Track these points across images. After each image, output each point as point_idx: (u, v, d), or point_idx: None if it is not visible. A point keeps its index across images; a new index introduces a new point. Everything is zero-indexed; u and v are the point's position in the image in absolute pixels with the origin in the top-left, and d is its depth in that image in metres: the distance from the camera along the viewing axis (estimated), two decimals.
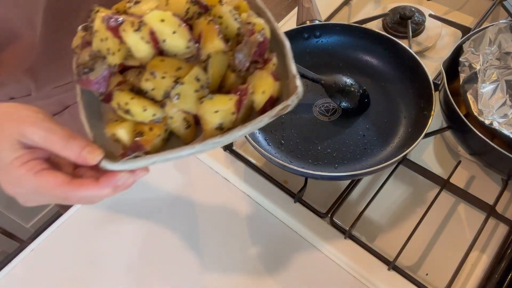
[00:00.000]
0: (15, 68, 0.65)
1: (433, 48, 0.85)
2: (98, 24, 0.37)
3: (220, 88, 0.40)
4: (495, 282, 0.55)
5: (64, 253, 0.65)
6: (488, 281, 0.56)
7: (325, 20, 0.88)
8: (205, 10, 0.40)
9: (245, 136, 0.61)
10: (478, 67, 0.63)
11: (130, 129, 0.38)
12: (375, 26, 0.88)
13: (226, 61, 0.40)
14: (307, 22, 0.75)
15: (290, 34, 0.74)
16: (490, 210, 0.61)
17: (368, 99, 0.69)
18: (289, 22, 0.91)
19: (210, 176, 0.72)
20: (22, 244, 0.65)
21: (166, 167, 0.73)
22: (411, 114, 0.67)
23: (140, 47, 0.37)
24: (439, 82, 0.67)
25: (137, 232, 0.67)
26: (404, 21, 0.84)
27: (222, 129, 0.38)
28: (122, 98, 0.37)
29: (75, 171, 0.41)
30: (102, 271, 0.64)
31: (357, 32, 0.74)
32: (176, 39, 0.37)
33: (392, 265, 0.58)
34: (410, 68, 0.68)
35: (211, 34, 0.37)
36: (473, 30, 0.74)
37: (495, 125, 0.57)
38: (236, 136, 0.37)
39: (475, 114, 0.59)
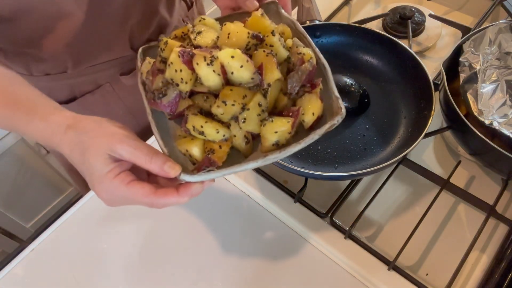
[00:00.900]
0: (55, 45, 0.66)
1: (433, 48, 0.85)
2: (173, 57, 0.44)
3: (273, 108, 0.47)
4: (495, 282, 0.55)
5: (64, 253, 0.65)
6: (488, 281, 0.56)
7: (325, 20, 0.88)
8: (261, 41, 0.46)
9: None
10: (478, 67, 0.63)
11: (202, 147, 0.45)
12: (375, 26, 0.88)
13: (279, 86, 0.46)
14: (307, 22, 0.75)
15: None
16: (490, 210, 0.61)
17: (368, 99, 0.69)
18: None
19: None
20: (22, 244, 0.66)
21: None
22: (411, 114, 0.67)
23: (210, 78, 0.43)
24: (439, 82, 0.67)
25: (137, 232, 0.67)
26: (404, 21, 0.84)
27: (278, 145, 0.44)
28: (197, 122, 0.44)
29: (149, 177, 0.47)
30: (102, 271, 0.64)
31: (357, 32, 0.74)
32: (243, 72, 0.43)
33: (392, 265, 0.58)
34: (410, 68, 0.68)
35: (271, 66, 0.44)
36: (473, 30, 0.74)
37: (495, 125, 0.57)
38: (292, 151, 0.43)
39: (475, 114, 0.59)
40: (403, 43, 0.70)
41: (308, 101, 0.45)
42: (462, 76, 0.63)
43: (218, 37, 0.47)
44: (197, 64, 0.43)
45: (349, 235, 0.61)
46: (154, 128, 0.46)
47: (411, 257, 0.61)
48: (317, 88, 0.46)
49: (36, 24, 0.62)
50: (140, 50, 0.54)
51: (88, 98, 0.77)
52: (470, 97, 0.61)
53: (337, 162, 0.64)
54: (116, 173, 0.43)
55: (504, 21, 0.66)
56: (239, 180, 0.69)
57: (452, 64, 0.66)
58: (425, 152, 0.71)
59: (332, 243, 0.61)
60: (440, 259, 0.60)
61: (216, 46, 0.46)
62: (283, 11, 0.54)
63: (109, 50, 0.73)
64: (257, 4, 0.54)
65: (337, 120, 0.44)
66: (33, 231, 1.57)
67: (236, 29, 0.46)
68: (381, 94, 0.71)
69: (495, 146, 0.55)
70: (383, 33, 0.72)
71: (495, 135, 0.57)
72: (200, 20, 0.50)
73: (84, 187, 0.67)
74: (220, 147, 0.44)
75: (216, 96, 0.45)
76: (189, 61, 0.43)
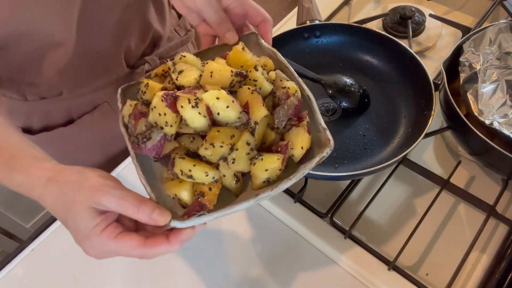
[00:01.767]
0: (48, 72, 0.66)
1: (433, 48, 0.85)
2: (156, 101, 0.42)
3: (262, 144, 0.46)
4: (495, 282, 0.55)
5: (63, 253, 0.65)
6: (488, 281, 0.56)
7: (325, 20, 0.88)
8: (244, 78, 0.46)
9: None
10: (478, 67, 0.63)
11: (191, 190, 0.43)
12: (375, 26, 0.88)
13: (266, 122, 0.46)
14: (307, 22, 0.75)
15: (290, 34, 0.74)
16: (490, 210, 0.61)
17: (368, 99, 0.69)
18: (289, 22, 0.91)
19: None
20: (22, 244, 0.66)
21: None
22: (411, 114, 0.67)
23: (196, 120, 0.42)
24: (439, 82, 0.67)
25: None
26: (404, 21, 0.84)
27: (269, 182, 0.44)
28: (184, 166, 0.42)
29: (137, 223, 0.45)
30: (102, 271, 0.63)
31: (357, 32, 0.74)
32: (230, 112, 0.42)
33: (392, 265, 0.58)
34: (410, 68, 0.68)
35: (257, 104, 0.43)
36: (473, 30, 0.74)
37: (495, 125, 0.57)
38: (284, 187, 0.43)
39: (475, 114, 0.59)
40: (403, 43, 0.70)
41: (296, 135, 0.45)
42: (462, 76, 0.63)
43: (200, 75, 0.46)
44: (182, 107, 0.42)
45: (349, 235, 0.61)
46: (139, 173, 0.44)
47: (411, 257, 0.61)
48: (304, 121, 0.46)
49: (27, 52, 0.62)
50: (119, 90, 0.52)
51: (87, 119, 0.76)
52: (470, 97, 0.61)
53: (337, 162, 0.64)
54: (102, 227, 0.41)
55: (504, 21, 0.66)
56: None
57: (452, 64, 0.66)
58: (425, 152, 0.71)
59: (332, 243, 0.61)
60: (440, 259, 0.60)
61: (199, 85, 0.45)
62: (263, 41, 0.53)
63: (105, 71, 0.72)
64: (237, 37, 0.53)
65: (326, 152, 0.44)
66: (33, 231, 1.57)
67: (219, 67, 0.45)
68: (381, 94, 0.71)
69: (495, 146, 0.55)
70: (383, 33, 0.72)
71: (495, 135, 0.57)
72: (180, 58, 0.49)
73: None
74: (210, 189, 0.43)
75: (202, 136, 0.44)
76: (173, 104, 0.42)
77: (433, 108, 0.61)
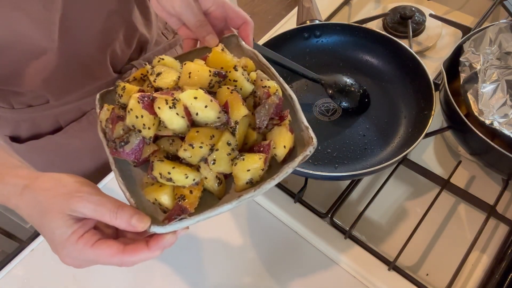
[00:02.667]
0: (33, 80, 0.66)
1: (433, 48, 0.85)
2: (133, 103, 0.41)
3: (244, 145, 0.45)
4: (495, 282, 0.54)
5: None
6: (488, 281, 0.56)
7: (325, 20, 0.88)
8: (224, 78, 0.45)
9: None
10: (478, 67, 0.63)
11: (171, 194, 0.42)
12: (375, 26, 0.88)
13: (247, 121, 0.45)
14: (307, 22, 0.75)
15: (290, 34, 0.74)
16: (490, 210, 0.61)
17: (368, 99, 0.69)
18: (289, 22, 0.91)
19: None
20: (22, 244, 0.65)
21: None
22: (411, 114, 0.67)
23: (174, 121, 0.41)
24: (440, 82, 0.67)
25: None
26: (404, 21, 0.84)
27: (252, 183, 0.43)
28: (163, 169, 0.41)
29: (117, 231, 0.44)
30: (102, 271, 0.63)
31: (357, 32, 0.74)
32: (209, 112, 0.41)
33: (392, 265, 0.58)
34: (411, 68, 0.68)
35: (237, 103, 0.42)
36: (473, 30, 0.74)
37: (496, 125, 0.57)
38: (267, 188, 0.41)
39: (476, 114, 0.59)
40: (403, 43, 0.70)
41: (278, 134, 0.44)
42: (463, 76, 0.63)
43: (179, 77, 0.45)
44: (159, 108, 0.41)
45: (349, 235, 0.61)
46: (118, 178, 0.43)
47: (411, 257, 0.61)
48: (286, 120, 0.45)
49: (10, 62, 0.61)
50: (97, 96, 0.50)
51: (75, 126, 0.76)
52: (470, 97, 0.61)
53: (337, 162, 0.64)
54: (79, 234, 0.40)
55: (505, 21, 0.66)
56: None
57: (453, 64, 0.66)
58: (426, 152, 0.71)
59: (332, 243, 0.61)
60: (440, 259, 0.60)
61: (177, 87, 0.44)
62: (243, 43, 0.53)
63: (91, 77, 0.72)
64: (217, 40, 0.52)
65: (310, 150, 0.43)
66: (33, 231, 1.57)
67: (197, 68, 0.44)
68: (381, 94, 0.71)
69: (496, 146, 0.55)
70: (383, 33, 0.72)
71: (496, 135, 0.57)
72: (159, 61, 0.48)
73: None
74: (191, 192, 0.41)
75: (182, 138, 0.42)
76: (150, 106, 0.41)
77: (433, 108, 0.61)
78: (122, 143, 0.42)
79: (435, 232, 0.63)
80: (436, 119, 0.68)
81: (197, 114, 0.41)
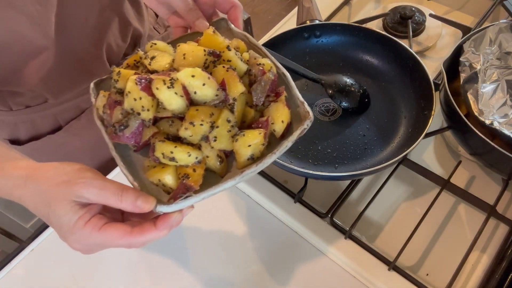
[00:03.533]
0: (30, 79, 0.66)
1: (433, 48, 0.85)
2: (130, 85, 0.41)
3: (242, 123, 0.45)
4: (495, 282, 0.55)
5: (63, 253, 0.65)
6: (488, 281, 0.56)
7: (325, 20, 0.88)
8: (218, 57, 0.45)
9: None
10: (478, 67, 0.62)
11: (175, 173, 0.42)
12: (375, 26, 0.88)
13: (244, 99, 0.45)
14: (307, 22, 0.75)
15: (290, 34, 0.74)
16: (490, 210, 0.61)
17: (368, 99, 0.69)
18: (289, 22, 0.91)
19: None
20: (22, 244, 0.66)
21: None
22: (411, 114, 0.67)
23: (173, 101, 0.41)
24: (440, 82, 0.67)
25: None
26: (404, 21, 0.84)
27: (253, 159, 0.43)
28: (166, 149, 0.41)
29: (124, 214, 0.44)
30: (102, 271, 0.63)
31: (357, 32, 0.74)
32: (207, 90, 0.41)
33: (392, 265, 0.58)
34: (411, 68, 0.68)
35: (234, 80, 0.43)
36: (473, 30, 0.74)
37: (496, 125, 0.57)
38: (269, 163, 0.42)
39: (476, 114, 0.59)
40: (403, 43, 0.70)
41: (276, 110, 0.45)
42: (463, 76, 0.63)
43: (173, 60, 0.45)
44: (157, 88, 0.40)
45: (349, 235, 0.61)
46: (119, 163, 0.43)
47: (411, 257, 0.61)
48: (282, 96, 0.46)
49: (8, 62, 0.61)
50: (91, 85, 0.50)
51: (74, 124, 0.76)
52: (470, 97, 0.61)
53: (337, 162, 0.64)
54: (86, 219, 0.40)
55: (505, 21, 0.66)
56: None
57: (453, 64, 0.66)
58: (426, 152, 0.71)
59: (332, 243, 0.61)
60: (440, 259, 0.60)
61: (173, 68, 0.44)
62: (233, 26, 0.53)
63: (89, 73, 0.72)
64: (207, 24, 0.53)
65: (307, 124, 0.44)
66: (33, 231, 1.57)
67: (191, 48, 0.44)
68: (381, 94, 0.71)
69: (496, 146, 0.55)
70: (384, 33, 0.72)
71: (496, 135, 0.57)
72: (151, 46, 0.48)
73: None
74: (194, 170, 0.42)
75: (181, 119, 0.42)
76: (147, 87, 0.41)
77: (433, 108, 0.61)
78: (122, 127, 0.42)
79: (435, 232, 0.63)
80: (436, 119, 0.68)
81: (195, 92, 0.41)
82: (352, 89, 0.68)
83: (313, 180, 0.66)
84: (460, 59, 0.65)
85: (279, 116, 0.44)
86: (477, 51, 0.65)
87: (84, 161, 0.83)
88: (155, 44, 0.48)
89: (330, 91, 0.68)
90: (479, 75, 0.62)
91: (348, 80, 0.69)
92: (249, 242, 0.64)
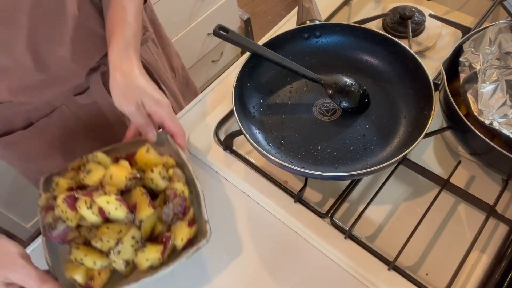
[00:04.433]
0: (2, 93, 0.68)
1: (433, 48, 0.85)
2: (59, 202, 0.54)
3: (152, 233, 0.57)
4: (495, 282, 0.55)
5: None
6: (488, 281, 0.56)
7: (325, 20, 0.88)
8: (139, 180, 0.57)
9: (245, 136, 0.62)
10: (478, 67, 0.63)
11: (84, 273, 0.55)
12: (375, 26, 0.88)
13: (156, 215, 0.56)
14: (307, 22, 0.75)
15: (290, 34, 0.74)
16: (490, 210, 0.61)
17: (368, 99, 0.69)
18: (289, 22, 0.91)
19: (210, 176, 0.72)
20: (22, 244, 0.66)
21: None
22: (411, 114, 0.67)
23: (91, 218, 0.54)
24: (439, 82, 0.67)
25: None
26: (404, 21, 0.84)
27: (152, 267, 0.54)
28: (78, 255, 0.53)
29: None
30: None
31: (357, 32, 0.74)
32: (118, 213, 0.53)
33: (392, 265, 0.58)
34: (410, 68, 0.68)
35: (144, 205, 0.54)
36: (473, 30, 0.74)
37: (495, 125, 0.57)
38: (163, 273, 0.53)
39: (475, 114, 0.59)
40: (403, 43, 0.70)
41: (179, 228, 0.56)
42: (462, 76, 0.63)
43: (104, 175, 0.57)
44: (79, 207, 0.53)
45: (349, 235, 0.61)
46: (46, 256, 0.55)
47: (411, 257, 0.61)
48: (187, 216, 0.57)
49: None
50: (41, 179, 0.62)
51: (45, 122, 0.77)
52: (470, 97, 0.61)
53: (337, 162, 0.64)
54: None
55: (504, 21, 0.66)
56: (239, 180, 0.70)
57: (452, 64, 0.66)
58: (425, 152, 0.71)
59: (332, 243, 0.61)
60: (440, 259, 0.60)
61: (100, 185, 0.55)
62: (171, 140, 0.64)
63: (59, 84, 0.73)
64: (156, 136, 0.63)
65: (202, 243, 0.54)
66: (33, 231, 1.57)
67: (116, 172, 0.56)
68: (381, 94, 0.71)
69: (495, 146, 0.55)
70: (383, 33, 0.72)
71: (495, 135, 0.57)
72: (93, 157, 0.60)
73: None
74: (99, 273, 0.54)
75: (98, 227, 0.54)
76: (72, 205, 0.53)
77: (433, 108, 0.61)
78: (51, 229, 0.54)
79: (435, 232, 0.63)
80: (436, 119, 0.68)
81: (109, 213, 0.53)
82: (352, 89, 0.68)
83: (313, 180, 0.66)
84: (460, 59, 0.65)
85: (180, 234, 0.55)
86: (476, 51, 0.65)
87: (55, 159, 0.86)
88: (96, 156, 0.60)
89: (330, 91, 0.68)
90: (478, 75, 0.62)
91: (348, 80, 0.69)
92: (249, 241, 0.64)
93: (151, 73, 0.87)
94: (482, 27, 0.68)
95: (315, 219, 0.64)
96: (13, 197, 1.43)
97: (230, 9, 1.90)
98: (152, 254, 0.53)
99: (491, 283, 0.55)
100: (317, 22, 0.75)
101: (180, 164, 0.63)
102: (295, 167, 0.59)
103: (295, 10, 0.84)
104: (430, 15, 0.85)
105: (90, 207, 0.53)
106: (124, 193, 0.56)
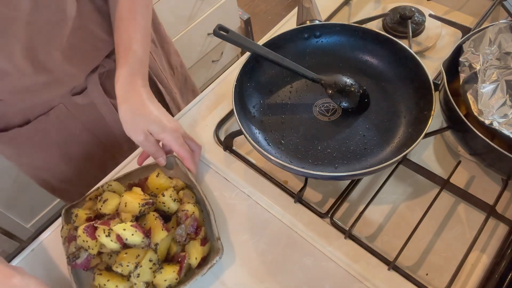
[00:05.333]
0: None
1: (433, 48, 0.85)
2: (80, 232, 0.58)
3: (167, 255, 0.60)
4: (495, 282, 0.55)
5: (64, 253, 0.65)
6: (488, 281, 0.56)
7: (325, 20, 0.88)
8: (152, 205, 0.61)
9: (245, 136, 0.62)
10: (478, 67, 0.63)
11: None
12: (375, 26, 0.88)
13: (170, 237, 0.60)
14: (307, 22, 0.75)
15: (290, 34, 0.74)
16: (490, 210, 0.61)
17: (368, 99, 0.69)
18: (289, 22, 0.92)
19: (210, 175, 0.72)
20: (22, 244, 0.66)
21: None
22: (411, 114, 0.67)
23: (110, 245, 0.58)
24: (439, 82, 0.67)
25: None
26: (404, 21, 0.84)
27: (170, 286, 0.58)
28: (101, 281, 0.57)
29: None
30: None
31: (357, 32, 0.74)
32: (135, 238, 0.57)
33: (392, 265, 0.58)
34: (410, 68, 0.68)
35: (157, 229, 0.58)
36: (473, 30, 0.74)
37: (495, 125, 0.57)
38: None
39: (475, 114, 0.59)
40: (403, 43, 0.70)
41: (192, 247, 0.60)
42: (462, 76, 0.63)
43: (119, 203, 0.61)
44: (99, 236, 0.57)
45: (349, 235, 0.61)
46: (72, 283, 0.58)
47: (411, 257, 0.61)
48: (200, 235, 0.61)
49: None
50: (63, 211, 0.65)
51: (42, 120, 0.77)
52: (470, 97, 0.61)
53: (337, 162, 0.64)
54: None
55: (504, 21, 0.66)
56: (239, 180, 0.70)
57: (452, 64, 0.66)
58: (425, 152, 0.71)
59: (332, 243, 0.61)
60: (440, 259, 0.60)
61: (116, 213, 0.60)
62: (179, 163, 0.68)
63: (59, 86, 0.73)
64: (165, 161, 0.68)
65: (216, 260, 0.58)
66: (33, 231, 1.57)
67: (130, 200, 0.60)
68: (381, 94, 0.71)
69: (495, 146, 0.55)
70: (383, 33, 0.72)
71: (495, 135, 0.57)
72: (107, 186, 0.65)
73: (77, 196, 0.69)
74: None
75: (118, 253, 0.58)
76: (92, 234, 0.58)
77: (433, 108, 0.61)
78: (74, 258, 0.59)
79: (435, 232, 0.63)
80: (436, 119, 0.68)
81: (126, 239, 0.57)
82: (352, 89, 0.68)
83: (313, 180, 0.66)
84: (460, 59, 0.65)
85: (194, 253, 0.59)
86: (476, 51, 0.65)
87: (52, 157, 0.86)
88: (111, 185, 0.65)
89: (330, 91, 0.68)
90: (478, 75, 0.62)
91: (348, 80, 0.69)
92: (249, 241, 0.64)
93: (149, 73, 0.87)
94: (482, 27, 0.68)
95: (315, 219, 0.64)
96: (13, 197, 1.43)
97: (230, 9, 1.90)
98: (169, 274, 0.57)
99: (491, 283, 0.55)
100: (317, 22, 0.75)
101: (189, 185, 0.67)
102: (295, 167, 0.59)
103: (295, 10, 0.84)
104: (430, 15, 0.85)
105: (109, 235, 0.57)
106: (139, 218, 0.61)
